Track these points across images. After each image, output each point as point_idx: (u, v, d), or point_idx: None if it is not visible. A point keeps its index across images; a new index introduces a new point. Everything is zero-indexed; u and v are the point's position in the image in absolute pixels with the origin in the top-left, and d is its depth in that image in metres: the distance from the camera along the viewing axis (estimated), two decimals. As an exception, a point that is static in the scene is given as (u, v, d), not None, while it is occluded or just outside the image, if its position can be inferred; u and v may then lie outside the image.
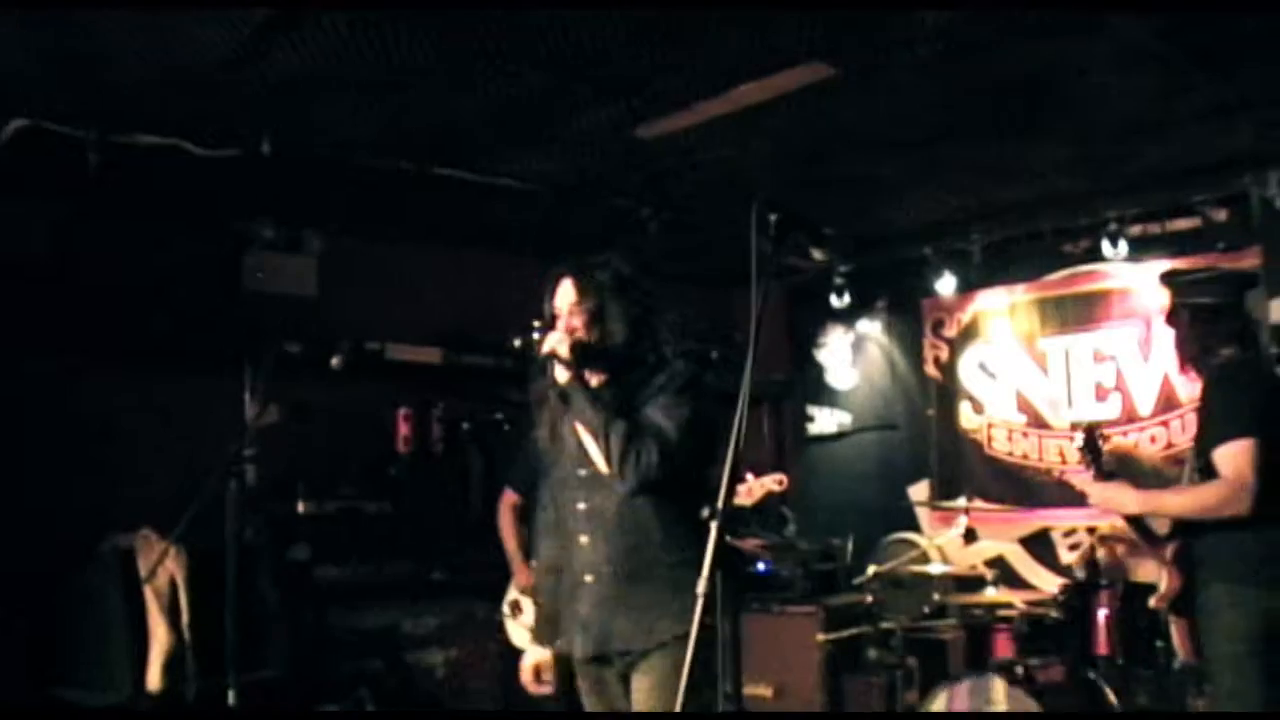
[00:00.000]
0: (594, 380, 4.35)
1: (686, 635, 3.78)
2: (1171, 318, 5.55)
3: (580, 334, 4.35)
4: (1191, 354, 5.44)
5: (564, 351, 4.26)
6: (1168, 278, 5.68)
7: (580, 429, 4.31)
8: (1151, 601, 5.54)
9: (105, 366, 7.12)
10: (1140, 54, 5.71)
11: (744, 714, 7.36)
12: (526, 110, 6.29)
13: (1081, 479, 5.78)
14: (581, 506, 4.44)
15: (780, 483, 6.58)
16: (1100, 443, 5.91)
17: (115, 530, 6.70)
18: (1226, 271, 5.88)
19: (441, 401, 8.51)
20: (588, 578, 4.39)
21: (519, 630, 6.81)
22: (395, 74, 5.73)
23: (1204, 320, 5.38)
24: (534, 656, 4.83)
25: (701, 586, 3.02)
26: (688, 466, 4.27)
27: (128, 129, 6.32)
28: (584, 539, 4.42)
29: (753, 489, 6.49)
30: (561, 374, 4.29)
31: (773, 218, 3.31)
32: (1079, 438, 5.92)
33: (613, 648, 4.33)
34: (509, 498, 7.20)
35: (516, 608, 6.84)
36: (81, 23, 5.12)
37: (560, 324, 4.43)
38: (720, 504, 3.08)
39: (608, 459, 4.22)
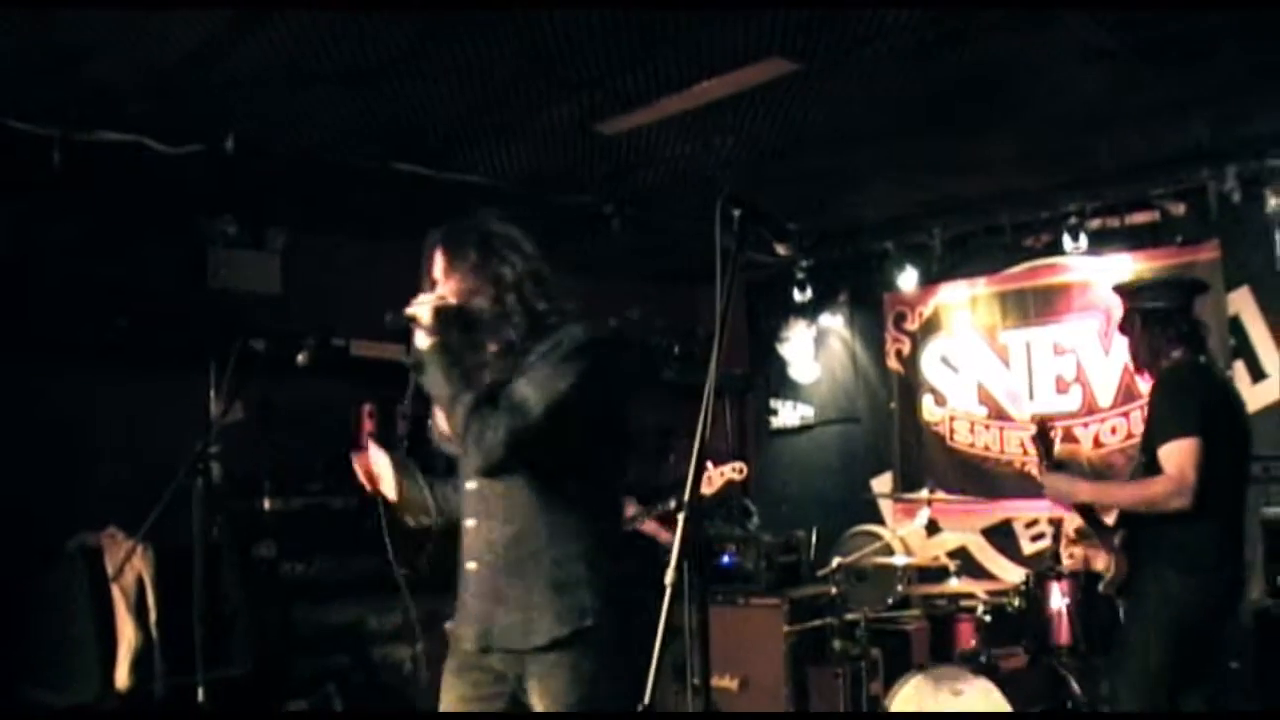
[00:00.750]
0: (491, 347, 4.01)
1: (568, 640, 3.82)
2: (1124, 325, 5.73)
3: (450, 299, 4.04)
4: (1145, 359, 5.63)
5: (425, 316, 3.98)
6: (1120, 288, 5.90)
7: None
8: (1100, 586, 5.68)
9: (69, 365, 7.09)
10: (1094, 50, 5.76)
11: (719, 714, 7.39)
12: (488, 106, 6.30)
13: (1034, 470, 5.96)
14: (470, 486, 4.11)
15: (740, 471, 6.59)
16: (1051, 435, 6.03)
17: (81, 529, 6.68)
18: (1175, 277, 6.07)
19: (405, 397, 8.50)
20: (470, 564, 4.10)
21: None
22: (357, 70, 5.74)
23: (1154, 324, 5.57)
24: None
25: (670, 576, 3.00)
26: (562, 445, 3.88)
27: (90, 126, 6.31)
28: (470, 523, 4.12)
29: (712, 478, 6.50)
30: (421, 340, 4.00)
31: (736, 213, 3.31)
32: (1034, 429, 6.04)
33: (494, 643, 3.97)
34: None
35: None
36: (44, 20, 5.11)
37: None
38: (687, 495, 3.10)
39: (453, 432, 3.91)
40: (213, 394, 7.37)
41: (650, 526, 6.66)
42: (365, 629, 7.99)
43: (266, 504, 7.55)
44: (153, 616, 6.47)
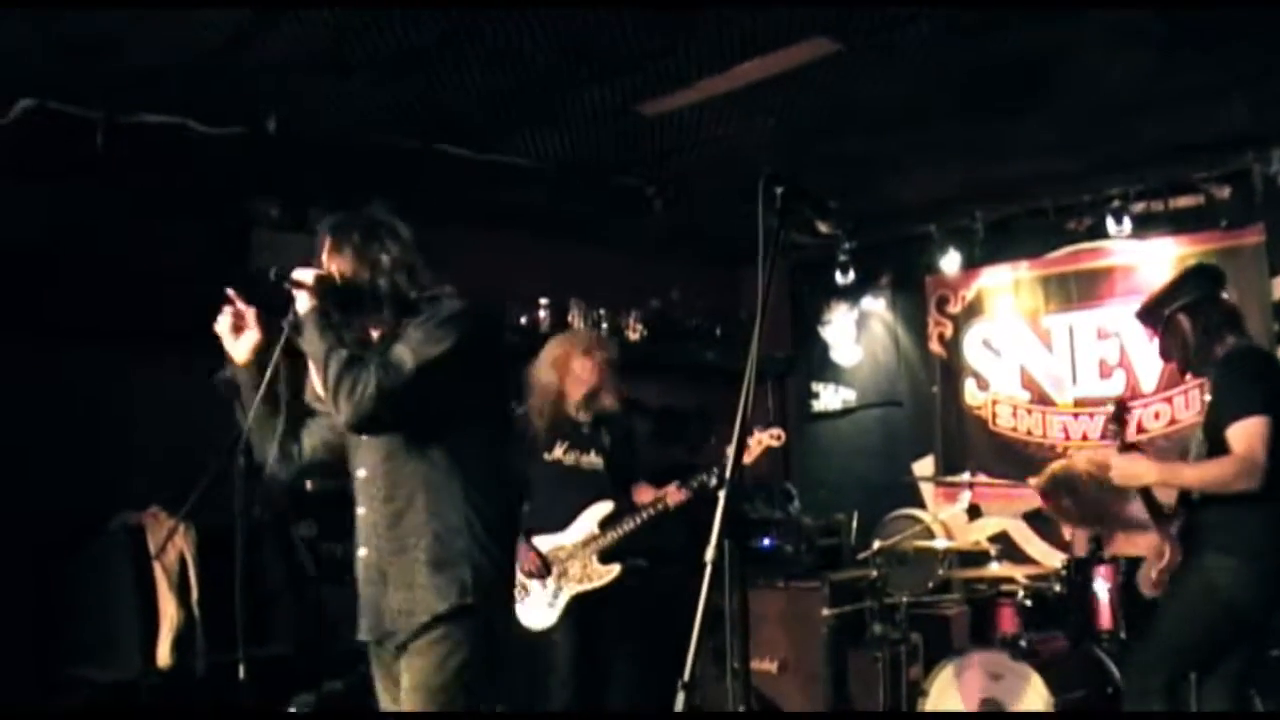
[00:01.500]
0: (367, 325, 4.11)
1: (448, 616, 3.85)
2: (1167, 336, 5.64)
3: (332, 275, 4.14)
4: (1201, 353, 5.53)
5: (308, 278, 4.05)
6: (1150, 303, 5.77)
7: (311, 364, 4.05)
8: (1153, 574, 5.62)
9: (111, 347, 7.13)
10: (1136, 32, 5.72)
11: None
12: (530, 89, 6.30)
13: (1106, 450, 5.89)
14: (360, 475, 4.17)
15: (778, 438, 6.54)
16: (1127, 417, 5.99)
17: (123, 509, 6.73)
18: (1190, 269, 5.98)
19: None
20: (361, 551, 4.14)
21: (528, 612, 6.82)
22: (398, 52, 5.75)
23: (1201, 315, 5.51)
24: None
25: (710, 554, 3.00)
26: (436, 407, 3.94)
27: (134, 109, 6.33)
28: (360, 510, 4.16)
29: (750, 446, 6.45)
30: (303, 302, 4.02)
31: (779, 191, 3.31)
32: (1111, 408, 5.94)
33: (384, 629, 4.03)
34: None
35: (523, 589, 6.85)
36: (87, 5, 5.14)
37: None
38: (729, 474, 3.10)
39: (325, 389, 3.92)
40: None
41: (674, 495, 6.63)
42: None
43: (307, 484, 7.57)
44: (194, 595, 6.50)
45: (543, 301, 9.09)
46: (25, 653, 6.68)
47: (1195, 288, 5.55)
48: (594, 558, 6.71)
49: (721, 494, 3.06)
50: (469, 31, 5.51)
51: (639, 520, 6.67)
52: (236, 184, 7.65)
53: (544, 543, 6.83)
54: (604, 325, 9.21)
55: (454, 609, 3.85)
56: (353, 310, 4.10)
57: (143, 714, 6.40)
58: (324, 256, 4.22)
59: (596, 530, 6.74)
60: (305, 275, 4.06)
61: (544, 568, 6.77)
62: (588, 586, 6.72)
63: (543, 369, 6.92)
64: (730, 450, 3.14)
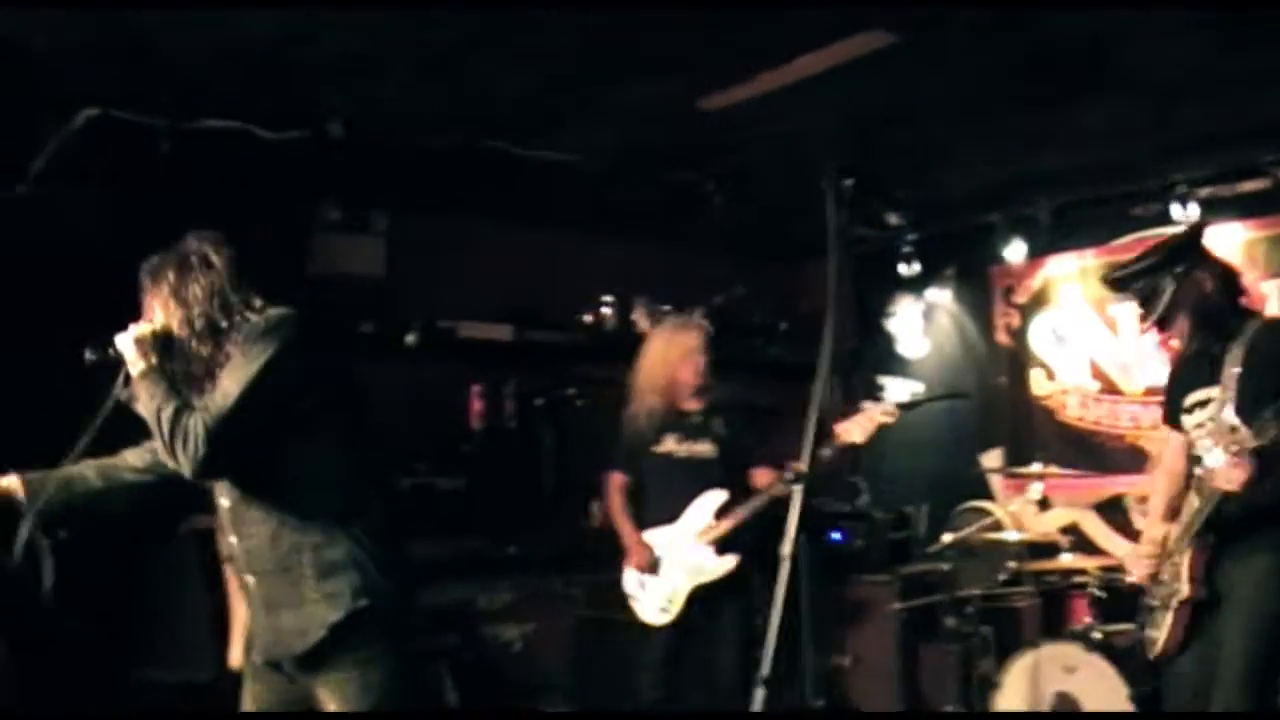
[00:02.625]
0: (194, 367, 3.94)
1: (347, 625, 3.77)
2: (1177, 304, 5.25)
3: (150, 328, 4.01)
4: (1217, 317, 5.25)
5: (127, 350, 3.96)
6: (1121, 274, 5.59)
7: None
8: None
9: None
10: (1197, 14, 5.65)
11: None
12: (587, 84, 6.30)
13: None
14: (223, 504, 4.06)
15: (890, 413, 6.46)
16: None
17: (193, 512, 6.76)
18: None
19: (513, 378, 8.55)
20: (247, 579, 4.04)
21: (645, 607, 6.84)
22: (454, 50, 5.76)
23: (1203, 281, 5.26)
24: None
25: (786, 548, 2.97)
26: (278, 422, 3.83)
27: (195, 115, 6.37)
28: (232, 539, 4.05)
29: (861, 423, 6.36)
30: (132, 366, 3.94)
31: (847, 183, 3.28)
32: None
33: (281, 652, 3.95)
34: (615, 479, 7.09)
35: (642, 584, 6.87)
36: (149, 12, 5.19)
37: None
38: (805, 466, 3.07)
39: (163, 449, 3.82)
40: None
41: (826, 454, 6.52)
42: (474, 608, 8.04)
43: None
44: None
45: (607, 299, 9.09)
46: (98, 656, 6.73)
47: (1185, 258, 5.31)
48: (711, 549, 6.69)
49: (797, 488, 3.04)
50: (528, 27, 5.51)
51: (753, 508, 6.62)
52: (298, 187, 7.69)
53: (657, 535, 6.83)
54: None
55: (350, 615, 3.78)
56: (181, 356, 3.99)
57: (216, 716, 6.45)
58: (148, 304, 4.12)
59: (712, 520, 6.70)
60: (123, 345, 4.00)
61: (655, 563, 6.79)
62: (704, 579, 6.70)
63: (653, 361, 6.95)
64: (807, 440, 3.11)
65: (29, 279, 6.81)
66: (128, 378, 3.98)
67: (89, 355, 4.15)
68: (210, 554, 6.55)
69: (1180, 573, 5.14)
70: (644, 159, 7.56)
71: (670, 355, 6.87)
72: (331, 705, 3.88)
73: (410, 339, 7.04)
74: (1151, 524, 5.53)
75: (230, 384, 3.76)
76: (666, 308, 9.23)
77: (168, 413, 3.78)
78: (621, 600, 7.01)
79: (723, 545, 6.66)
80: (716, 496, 6.71)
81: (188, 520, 6.74)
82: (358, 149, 6.85)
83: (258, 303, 4.00)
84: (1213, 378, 5.18)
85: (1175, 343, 5.37)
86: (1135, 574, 5.49)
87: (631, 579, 6.94)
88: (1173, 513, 5.40)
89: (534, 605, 8.45)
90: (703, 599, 6.73)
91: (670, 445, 6.86)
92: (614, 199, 8.19)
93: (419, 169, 7.55)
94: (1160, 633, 5.25)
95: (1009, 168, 8.21)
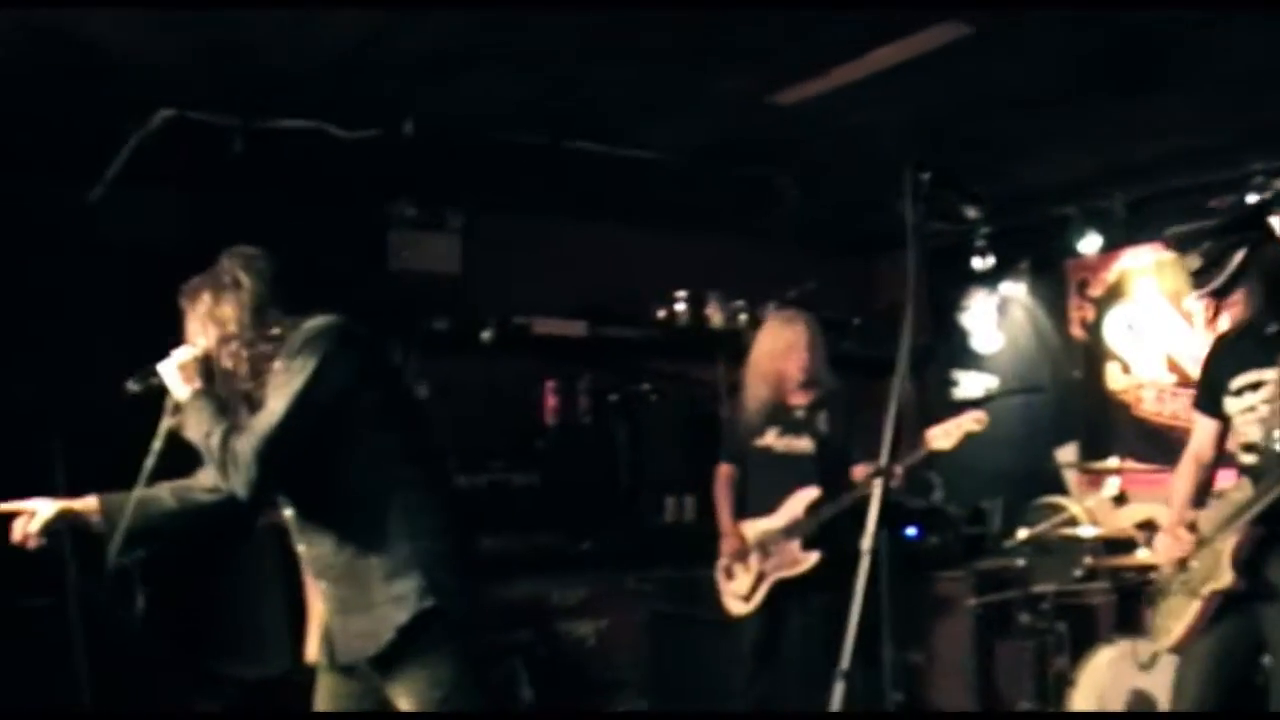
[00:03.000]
0: (239, 387, 3.93)
1: (415, 626, 3.74)
2: (1243, 271, 5.07)
3: (192, 353, 4.00)
4: None
5: (169, 378, 3.97)
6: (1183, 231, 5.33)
7: None
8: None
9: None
10: (1271, 1, 5.59)
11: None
12: (663, 81, 6.30)
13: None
14: (287, 514, 4.11)
15: (979, 421, 6.45)
16: None
17: (271, 507, 6.81)
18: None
19: (587, 374, 8.58)
20: (321, 584, 4.07)
21: (730, 595, 6.91)
22: (529, 49, 5.78)
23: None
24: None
25: (866, 543, 2.97)
26: (330, 432, 3.82)
27: (270, 115, 6.42)
28: (300, 548, 4.10)
29: (950, 430, 6.38)
30: (177, 391, 3.95)
31: (925, 177, 3.27)
32: None
33: (353, 657, 3.96)
34: (722, 470, 7.18)
35: (729, 572, 6.92)
36: (223, 13, 5.23)
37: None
38: (884, 462, 3.07)
39: (217, 473, 3.84)
40: (397, 374, 7.48)
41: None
42: (548, 604, 8.07)
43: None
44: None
45: (679, 295, 9.10)
46: (176, 651, 6.79)
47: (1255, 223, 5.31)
48: (797, 544, 6.70)
49: (877, 483, 3.04)
50: (601, 25, 5.51)
51: (840, 505, 6.60)
52: (374, 185, 7.74)
53: (753, 527, 6.88)
54: (742, 317, 9.21)
55: (417, 616, 3.77)
56: (224, 376, 3.98)
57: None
58: (189, 327, 4.11)
59: (801, 515, 6.72)
60: (166, 368, 4.02)
61: (744, 552, 6.85)
62: (789, 573, 6.73)
63: (759, 355, 7.00)
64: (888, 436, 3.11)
65: (108, 279, 6.89)
66: (176, 405, 3.99)
67: (132, 386, 4.16)
68: (287, 549, 6.62)
69: (1220, 561, 4.90)
70: (718, 154, 7.55)
71: (775, 349, 6.91)
72: (404, 704, 3.89)
73: (485, 335, 7.07)
74: (1179, 509, 5.28)
75: (275, 402, 3.76)
76: (740, 303, 9.25)
77: (216, 438, 3.80)
78: (696, 595, 7.03)
79: (811, 541, 6.67)
80: (808, 493, 6.71)
81: (265, 516, 6.79)
82: (432, 147, 6.88)
83: (293, 318, 3.96)
84: (1270, 358, 4.92)
85: (1229, 313, 5.16)
86: (1163, 557, 5.23)
87: (721, 567, 7.01)
88: (1198, 499, 5.26)
89: (608, 601, 8.48)
90: (790, 594, 6.77)
91: (771, 439, 6.89)
92: (688, 194, 8.19)
93: (494, 166, 7.58)
94: (1180, 623, 5.07)
95: (1084, 159, 8.15)
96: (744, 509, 6.99)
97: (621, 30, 5.58)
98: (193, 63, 5.80)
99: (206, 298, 4.03)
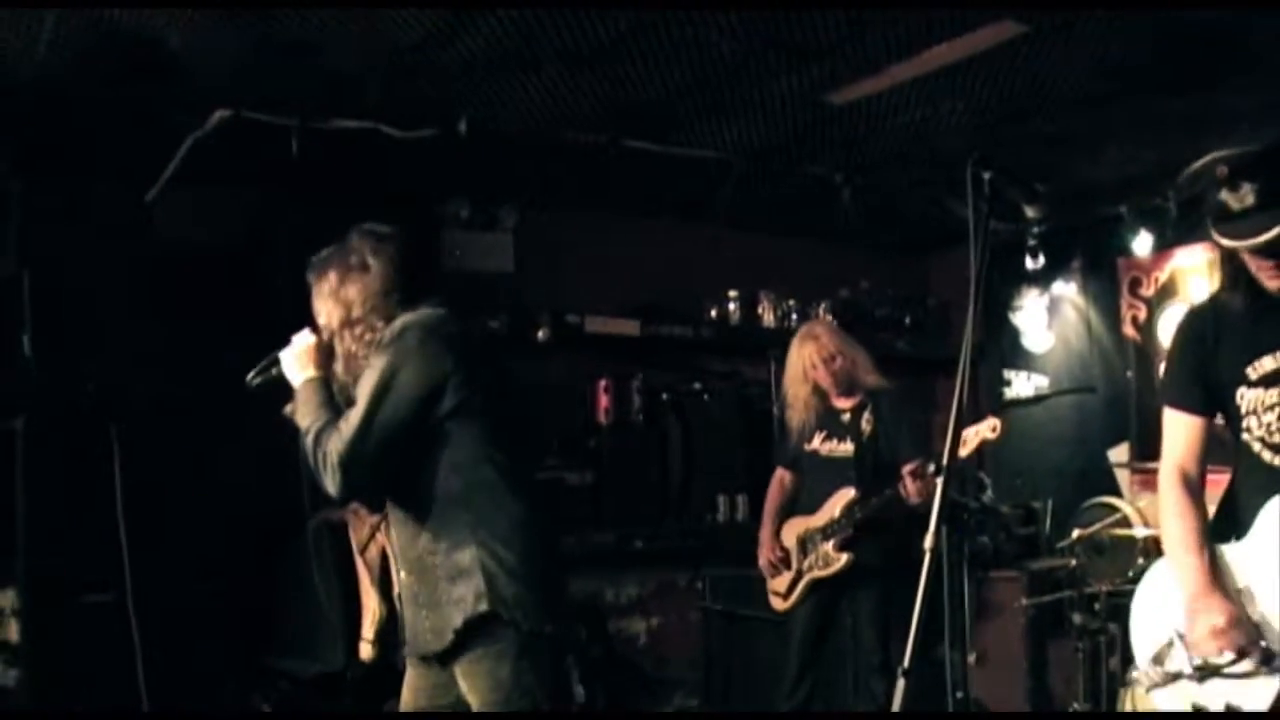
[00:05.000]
0: (357, 368, 3.99)
1: (472, 629, 3.79)
2: None
3: (314, 336, 4.14)
4: None
5: (287, 369, 4.11)
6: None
7: None
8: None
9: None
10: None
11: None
12: (717, 80, 6.31)
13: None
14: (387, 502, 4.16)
15: (995, 429, 6.45)
16: None
17: (325, 506, 6.85)
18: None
19: (640, 372, 8.60)
20: (401, 575, 4.14)
21: (771, 593, 7.00)
22: (584, 50, 5.79)
23: None
24: None
25: (928, 541, 2.97)
26: (410, 430, 3.83)
27: (326, 115, 6.46)
28: (393, 534, 4.16)
29: (967, 438, 6.40)
30: (296, 379, 4.08)
31: (986, 175, 3.26)
32: None
33: (423, 649, 4.03)
34: (777, 474, 7.32)
35: (772, 570, 7.00)
36: (280, 14, 5.28)
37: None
38: (945, 460, 3.07)
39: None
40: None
41: (911, 488, 6.57)
42: (602, 601, 8.10)
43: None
44: (396, 589, 6.60)
45: (732, 294, 9.12)
46: (234, 648, 6.85)
47: None
48: (831, 544, 6.74)
49: (939, 481, 3.04)
50: (656, 24, 5.53)
51: (870, 509, 6.64)
52: (428, 184, 7.77)
53: (796, 526, 6.98)
54: (794, 316, 9.23)
55: (474, 618, 3.79)
56: (344, 358, 4.07)
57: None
58: (315, 302, 4.18)
59: (837, 515, 6.76)
60: (287, 356, 4.12)
61: (785, 560, 6.97)
62: (822, 573, 6.79)
63: (789, 374, 7.10)
64: (949, 432, 3.11)
65: (165, 277, 6.94)
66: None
67: (253, 380, 4.27)
68: (342, 546, 6.66)
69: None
70: (771, 153, 7.56)
71: (801, 366, 7.01)
72: (471, 701, 3.93)
73: (541, 334, 7.06)
74: (1200, 568, 3.97)
75: (358, 405, 3.82)
76: (791, 302, 9.26)
77: (312, 436, 3.88)
78: (748, 594, 7.08)
79: (846, 543, 6.71)
80: (845, 494, 6.76)
81: (319, 513, 6.83)
82: (486, 146, 6.91)
83: (400, 311, 4.01)
84: None
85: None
86: (1213, 645, 3.80)
87: (761, 566, 7.12)
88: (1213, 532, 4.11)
89: (660, 599, 8.52)
90: (834, 592, 6.85)
91: (817, 443, 7.00)
92: (741, 193, 8.19)
93: (548, 165, 7.61)
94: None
95: (1137, 158, 8.11)
96: (794, 510, 7.10)
97: (677, 30, 5.59)
98: (249, 63, 5.83)
99: (333, 276, 4.11)
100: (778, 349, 8.68)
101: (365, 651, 6.54)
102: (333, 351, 4.08)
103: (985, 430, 6.37)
